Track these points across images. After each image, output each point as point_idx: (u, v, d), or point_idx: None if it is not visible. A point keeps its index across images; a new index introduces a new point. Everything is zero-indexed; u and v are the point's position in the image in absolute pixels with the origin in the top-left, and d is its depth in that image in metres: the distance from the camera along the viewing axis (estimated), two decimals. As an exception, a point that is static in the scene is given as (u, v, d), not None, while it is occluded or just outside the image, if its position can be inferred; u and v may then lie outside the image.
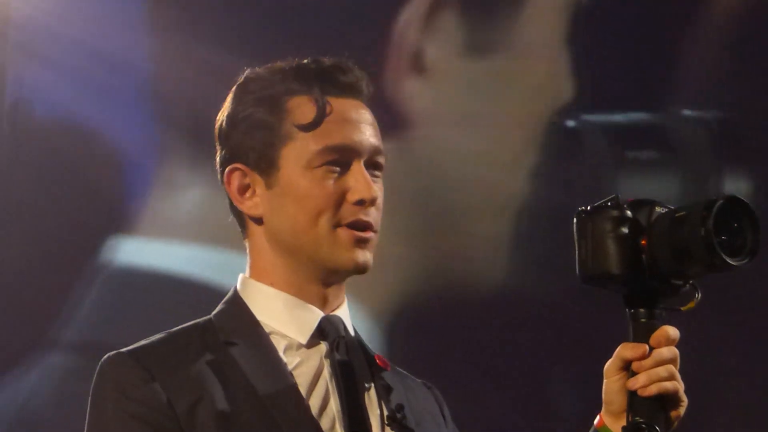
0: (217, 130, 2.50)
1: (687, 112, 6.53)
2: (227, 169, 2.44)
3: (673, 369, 2.24)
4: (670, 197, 6.22)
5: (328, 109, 2.41)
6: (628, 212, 2.26)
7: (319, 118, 2.39)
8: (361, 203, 2.38)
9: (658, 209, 2.27)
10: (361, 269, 2.40)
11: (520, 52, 6.53)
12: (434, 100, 6.46)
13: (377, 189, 2.42)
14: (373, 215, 2.41)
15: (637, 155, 6.46)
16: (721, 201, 2.17)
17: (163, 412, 2.27)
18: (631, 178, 6.37)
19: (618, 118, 6.55)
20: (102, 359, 2.36)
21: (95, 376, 2.36)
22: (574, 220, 2.32)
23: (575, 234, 2.31)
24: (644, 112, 6.56)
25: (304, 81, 2.44)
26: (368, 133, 2.46)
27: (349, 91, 2.47)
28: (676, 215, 2.23)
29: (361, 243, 2.39)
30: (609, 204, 2.28)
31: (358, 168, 2.40)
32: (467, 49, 6.49)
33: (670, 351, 2.25)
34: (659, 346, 2.24)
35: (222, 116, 2.49)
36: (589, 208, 2.29)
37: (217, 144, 2.49)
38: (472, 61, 6.46)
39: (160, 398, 2.27)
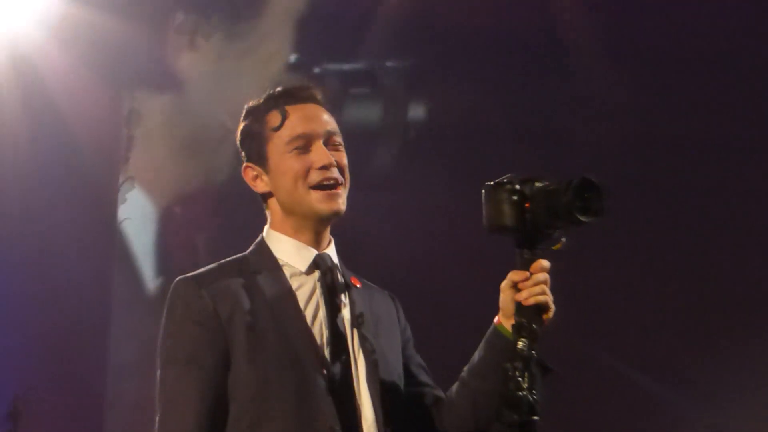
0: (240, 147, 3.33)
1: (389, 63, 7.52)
2: (243, 168, 3.24)
3: (545, 287, 2.87)
4: (374, 119, 7.02)
5: (288, 113, 3.14)
6: (517, 186, 2.86)
7: (282, 120, 3.13)
8: (323, 168, 3.06)
9: (537, 184, 2.86)
10: (334, 215, 3.12)
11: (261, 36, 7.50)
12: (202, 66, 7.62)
13: (340, 156, 3.14)
14: (335, 174, 3.09)
15: (358, 90, 7.35)
16: (578, 180, 2.78)
17: (212, 318, 2.97)
18: (354, 106, 7.14)
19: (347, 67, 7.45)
20: (174, 281, 3.10)
21: (169, 292, 3.10)
22: (483, 191, 2.90)
23: (483, 199, 2.90)
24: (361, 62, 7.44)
25: (273, 101, 3.19)
26: (321, 122, 3.17)
27: (306, 99, 3.20)
28: (549, 188, 2.85)
29: (331, 196, 3.09)
30: (505, 180, 2.89)
31: (317, 145, 3.10)
32: (224, 38, 7.57)
33: (543, 275, 2.86)
34: (536, 272, 2.86)
35: (236, 135, 3.31)
36: (492, 183, 2.89)
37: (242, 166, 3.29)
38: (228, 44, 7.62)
39: (209, 308, 2.97)
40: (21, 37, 7.17)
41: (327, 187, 3.07)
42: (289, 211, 3.15)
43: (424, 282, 5.86)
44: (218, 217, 7.46)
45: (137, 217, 7.78)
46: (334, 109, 3.30)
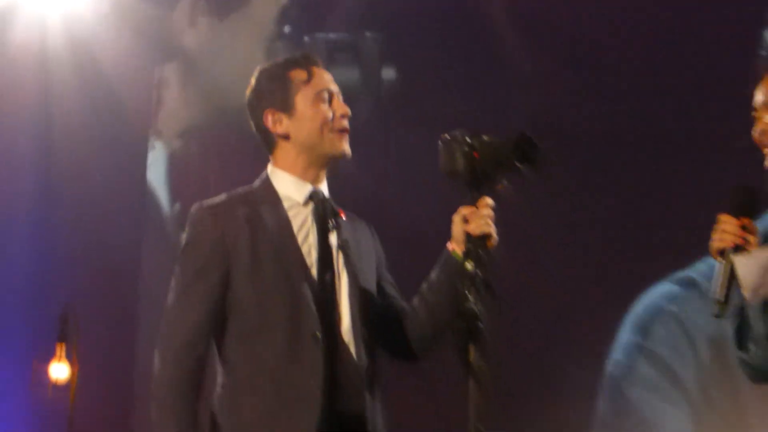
0: (248, 98, 3.25)
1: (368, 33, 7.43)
2: (263, 113, 3.15)
3: (489, 220, 2.88)
4: (354, 79, 7.02)
5: (313, 71, 3.15)
6: (468, 139, 2.89)
7: (309, 76, 3.13)
8: (344, 117, 3.12)
9: (484, 137, 2.90)
10: (346, 154, 3.16)
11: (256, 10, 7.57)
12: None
13: (341, 104, 3.17)
14: (347, 123, 3.15)
15: (341, 56, 7.26)
16: (517, 135, 2.85)
17: (220, 242, 2.99)
18: (337, 69, 6.84)
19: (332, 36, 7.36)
20: (192, 208, 3.13)
21: (188, 218, 3.12)
22: (440, 142, 2.93)
23: (440, 150, 2.92)
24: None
25: (296, 62, 3.19)
26: (334, 83, 3.19)
27: (320, 65, 3.21)
28: (494, 141, 2.90)
29: (346, 139, 3.15)
30: (458, 134, 2.91)
31: (337, 99, 3.14)
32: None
33: (488, 210, 2.88)
34: (482, 207, 2.88)
35: (251, 89, 3.24)
36: (448, 136, 2.92)
37: (248, 105, 3.24)
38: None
39: (218, 233, 3.00)
40: (76, 19, 7.25)
41: (345, 131, 3.14)
42: (307, 149, 3.15)
43: (393, 215, 5.83)
44: (224, 157, 7.31)
45: (162, 158, 7.91)
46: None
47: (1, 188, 7.45)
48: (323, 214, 3.11)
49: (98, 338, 6.97)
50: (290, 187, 3.12)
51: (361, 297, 3.06)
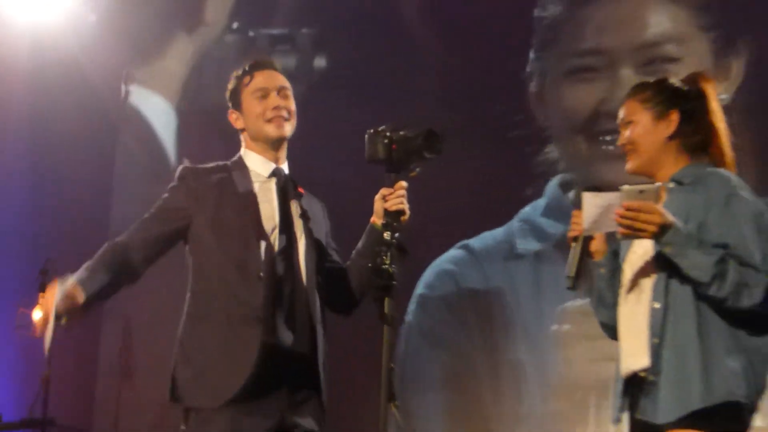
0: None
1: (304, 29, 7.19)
2: (230, 112, 3.29)
3: (404, 199, 2.95)
4: (291, 65, 6.84)
5: (254, 75, 3.23)
6: (388, 133, 2.93)
7: (250, 80, 3.22)
8: (275, 108, 3.17)
9: (402, 132, 2.93)
10: (280, 137, 3.21)
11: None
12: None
13: (287, 102, 3.23)
14: (283, 112, 3.20)
15: (281, 47, 7.20)
16: (425, 130, 2.90)
17: (192, 196, 3.14)
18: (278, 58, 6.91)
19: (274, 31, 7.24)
20: (180, 166, 3.28)
21: (178, 171, 3.26)
22: (366, 136, 2.97)
23: (366, 141, 2.97)
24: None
25: (246, 69, 3.27)
26: (274, 80, 3.24)
27: (265, 66, 3.28)
28: (408, 135, 2.92)
29: (278, 126, 3.19)
30: (380, 129, 2.95)
31: (272, 94, 3.19)
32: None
33: (402, 191, 2.95)
34: (397, 189, 2.95)
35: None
36: (372, 130, 2.97)
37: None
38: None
39: (192, 188, 3.16)
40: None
41: (275, 119, 3.18)
42: (254, 138, 3.24)
43: (334, 195, 5.91)
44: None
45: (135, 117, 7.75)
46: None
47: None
48: (284, 187, 3.19)
49: None
50: (257, 164, 3.21)
51: (316, 254, 3.15)
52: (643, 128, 2.74)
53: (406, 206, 2.96)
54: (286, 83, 3.28)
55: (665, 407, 2.52)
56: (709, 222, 2.58)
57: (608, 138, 5.84)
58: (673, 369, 2.53)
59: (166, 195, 3.22)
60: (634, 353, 2.66)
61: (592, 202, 2.64)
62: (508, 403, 6.13)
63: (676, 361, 2.53)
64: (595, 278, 2.84)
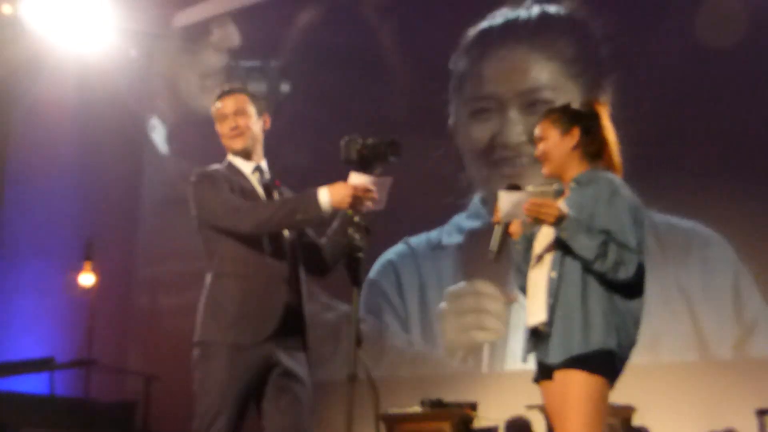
0: None
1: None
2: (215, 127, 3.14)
3: (374, 190, 2.84)
4: (262, 89, 6.91)
5: (220, 102, 3.10)
6: (359, 141, 2.87)
7: (216, 106, 3.10)
8: (232, 129, 3.04)
9: (368, 140, 2.87)
10: (239, 149, 3.07)
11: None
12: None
13: (241, 119, 3.05)
14: (236, 131, 3.04)
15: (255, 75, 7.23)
16: (389, 140, 2.86)
17: (221, 177, 2.98)
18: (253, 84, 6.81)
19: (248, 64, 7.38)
20: (197, 172, 3.06)
21: (195, 178, 3.04)
22: (341, 142, 2.88)
23: (341, 146, 2.88)
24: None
25: (216, 98, 3.12)
26: (231, 105, 3.08)
27: (229, 93, 3.11)
28: (375, 143, 2.87)
29: (233, 139, 3.06)
30: (352, 138, 2.88)
31: (230, 116, 3.04)
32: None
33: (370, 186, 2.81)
34: (359, 184, 2.81)
35: None
36: (348, 138, 2.88)
37: None
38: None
39: (220, 178, 2.97)
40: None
41: (231, 137, 3.06)
42: (227, 149, 3.13)
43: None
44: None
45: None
46: (244, 86, 3.24)
47: (48, 157, 7.49)
48: (265, 181, 3.10)
49: (111, 258, 6.93)
50: (241, 165, 3.10)
51: (295, 233, 3.05)
52: (553, 142, 2.77)
53: (377, 196, 2.89)
54: (244, 104, 3.13)
55: (554, 351, 2.59)
56: (597, 213, 2.62)
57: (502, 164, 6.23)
58: (561, 323, 2.59)
59: (203, 187, 3.02)
60: (535, 311, 2.70)
61: (506, 199, 2.70)
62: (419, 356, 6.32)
63: (564, 317, 2.59)
64: (514, 253, 2.88)
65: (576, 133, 2.77)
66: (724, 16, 5.60)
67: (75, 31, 6.91)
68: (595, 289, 2.59)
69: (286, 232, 3.01)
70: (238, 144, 3.08)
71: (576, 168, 2.78)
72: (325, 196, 2.83)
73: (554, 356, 2.59)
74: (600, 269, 2.56)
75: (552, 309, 2.62)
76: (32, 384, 5.66)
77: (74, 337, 6.57)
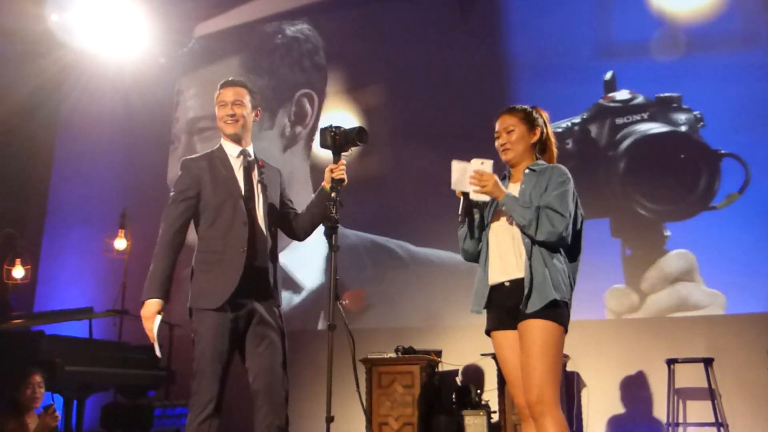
0: None
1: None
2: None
3: (343, 171, 2.86)
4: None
5: (221, 91, 3.04)
6: (333, 129, 2.88)
7: (218, 94, 3.04)
8: (229, 115, 2.99)
9: (342, 128, 2.88)
10: (233, 134, 3.00)
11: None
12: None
13: (237, 108, 2.99)
14: (232, 117, 2.98)
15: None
16: (358, 127, 2.88)
17: (195, 176, 2.94)
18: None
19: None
20: (182, 159, 3.04)
21: (180, 163, 3.03)
22: (319, 131, 2.91)
23: (318, 134, 2.92)
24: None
25: (219, 87, 3.06)
26: (231, 94, 3.02)
27: (230, 84, 3.05)
28: (347, 130, 2.88)
29: (227, 126, 3.00)
30: (328, 126, 2.89)
31: (229, 104, 2.99)
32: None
33: (343, 167, 2.86)
34: (339, 166, 2.86)
35: None
36: (323, 126, 2.89)
37: None
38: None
39: (194, 171, 2.94)
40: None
41: (226, 122, 3.01)
42: (221, 132, 3.06)
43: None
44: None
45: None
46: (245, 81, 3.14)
47: (90, 142, 7.47)
48: (249, 163, 3.04)
49: (142, 226, 6.81)
50: (230, 148, 3.04)
51: (268, 206, 3.00)
52: (519, 135, 2.82)
53: (345, 176, 2.90)
54: (242, 96, 3.06)
55: (532, 303, 2.58)
56: (548, 190, 2.70)
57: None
58: (534, 280, 2.60)
59: (177, 182, 3.00)
60: (501, 272, 2.71)
61: (456, 168, 2.71)
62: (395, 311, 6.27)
63: (537, 274, 2.60)
64: (468, 222, 2.86)
65: (538, 132, 2.86)
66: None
67: (114, 38, 6.89)
68: (554, 251, 2.66)
69: (260, 205, 2.96)
70: (230, 129, 3.02)
71: (529, 158, 2.85)
72: (148, 300, 2.80)
73: (533, 306, 2.57)
74: (532, 234, 2.62)
75: (528, 267, 2.63)
76: (75, 329, 5.66)
77: (110, 291, 6.57)
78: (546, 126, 2.90)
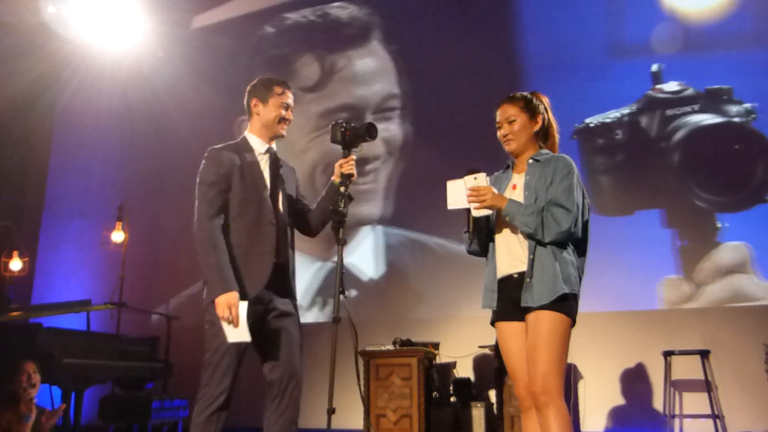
0: (248, 91, 3.02)
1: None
2: (252, 98, 2.99)
3: (352, 166, 2.87)
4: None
5: (285, 91, 2.99)
6: (343, 125, 2.89)
7: (282, 92, 2.98)
8: (287, 120, 2.97)
9: (352, 124, 2.89)
10: (282, 136, 3.00)
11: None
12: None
13: (290, 114, 2.99)
14: (289, 122, 2.99)
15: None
16: (368, 123, 2.87)
17: (225, 166, 2.85)
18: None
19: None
20: (209, 149, 2.93)
21: (207, 152, 2.92)
22: (330, 126, 2.91)
23: (330, 129, 2.92)
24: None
25: (279, 82, 3.00)
26: (291, 98, 3.01)
27: (290, 88, 3.03)
28: (357, 126, 2.88)
29: (283, 128, 2.98)
30: (338, 122, 2.90)
31: (290, 110, 2.99)
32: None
33: (352, 162, 2.87)
34: (349, 161, 2.87)
35: (251, 84, 3.03)
36: (335, 122, 2.90)
37: (247, 94, 3.02)
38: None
39: (225, 161, 2.86)
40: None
41: (284, 124, 2.99)
42: (264, 126, 2.98)
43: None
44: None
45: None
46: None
47: (87, 134, 7.41)
48: (274, 160, 3.02)
49: (139, 219, 6.86)
50: (256, 143, 3.00)
51: (288, 201, 3.01)
52: (522, 125, 2.74)
53: (354, 171, 2.90)
54: (292, 102, 3.07)
55: (539, 296, 2.52)
56: (554, 183, 2.62)
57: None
58: (541, 274, 2.54)
59: (207, 171, 2.89)
60: (509, 264, 2.65)
61: (451, 187, 2.65)
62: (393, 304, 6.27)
63: (543, 269, 2.55)
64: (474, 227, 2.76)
65: (540, 120, 2.77)
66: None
67: (112, 31, 6.81)
68: (562, 247, 2.58)
69: (280, 207, 2.94)
70: (283, 131, 3.00)
71: (532, 148, 2.76)
72: (216, 300, 2.67)
73: (540, 299, 2.51)
74: (540, 239, 2.55)
75: (531, 263, 2.57)
76: (73, 321, 5.61)
77: (107, 284, 6.54)
78: (547, 112, 2.81)
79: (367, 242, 6.36)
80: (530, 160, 2.74)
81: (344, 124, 2.89)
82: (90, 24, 6.68)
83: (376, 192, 6.40)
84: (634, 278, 5.37)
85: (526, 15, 6.27)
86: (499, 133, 2.80)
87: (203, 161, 2.92)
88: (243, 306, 2.68)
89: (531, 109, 2.77)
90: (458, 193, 2.63)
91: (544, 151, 2.77)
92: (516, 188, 2.74)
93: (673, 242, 5.44)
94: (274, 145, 3.06)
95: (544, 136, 2.81)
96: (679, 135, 5.49)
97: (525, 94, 2.81)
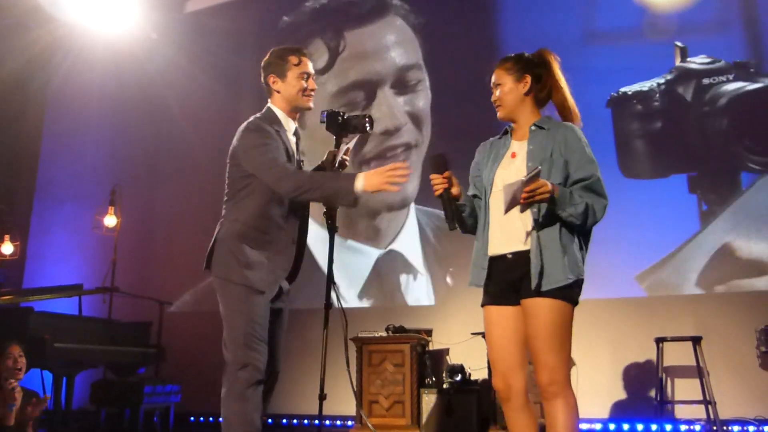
0: (263, 67, 2.88)
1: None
2: (268, 76, 2.85)
3: (350, 148, 2.87)
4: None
5: (302, 59, 2.85)
6: (342, 113, 2.89)
7: (299, 62, 2.83)
8: (311, 90, 2.85)
9: (351, 113, 2.90)
10: (308, 108, 2.87)
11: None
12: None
13: (314, 84, 2.85)
14: (313, 92, 2.85)
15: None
16: (368, 115, 2.88)
17: (274, 136, 2.73)
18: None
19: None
20: (249, 121, 2.79)
21: (248, 127, 2.76)
22: (325, 112, 2.90)
23: (327, 118, 2.89)
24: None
25: (294, 51, 2.86)
26: (311, 69, 2.87)
27: (307, 55, 2.88)
28: (356, 115, 2.89)
29: (308, 100, 2.84)
30: (337, 111, 2.91)
31: (312, 78, 2.86)
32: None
33: (350, 144, 2.87)
34: (339, 151, 2.85)
35: (266, 59, 2.88)
36: (330, 110, 2.91)
37: (262, 68, 2.88)
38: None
39: (273, 134, 2.73)
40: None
41: (308, 96, 2.85)
42: (288, 102, 2.84)
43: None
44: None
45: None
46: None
47: (80, 117, 7.31)
48: (297, 135, 2.91)
49: (132, 203, 6.81)
50: (285, 121, 2.86)
51: None
52: (507, 88, 2.52)
53: (347, 160, 2.89)
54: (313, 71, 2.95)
55: (546, 281, 2.33)
56: (573, 161, 2.41)
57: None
58: (548, 258, 2.36)
59: (254, 136, 2.74)
60: (503, 243, 2.44)
61: (507, 190, 2.32)
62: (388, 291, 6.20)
63: (549, 253, 2.36)
64: (460, 211, 2.54)
65: (528, 80, 2.52)
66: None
67: (105, 13, 6.70)
68: (570, 230, 2.40)
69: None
70: (310, 103, 2.87)
71: (530, 113, 2.53)
72: (360, 185, 2.56)
73: (547, 284, 2.32)
74: (585, 228, 2.39)
75: (538, 246, 2.37)
76: (64, 306, 5.58)
77: (99, 268, 6.46)
78: (549, 71, 2.54)
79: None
80: (533, 127, 2.52)
81: (341, 114, 2.87)
82: (83, 5, 6.57)
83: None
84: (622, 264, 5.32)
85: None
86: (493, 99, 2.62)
87: (245, 133, 2.76)
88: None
89: (517, 70, 2.54)
90: (515, 195, 2.32)
91: (546, 118, 2.54)
92: (515, 156, 2.53)
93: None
94: (296, 122, 2.93)
95: (547, 98, 2.57)
96: (723, 101, 5.48)
97: (518, 54, 2.58)
